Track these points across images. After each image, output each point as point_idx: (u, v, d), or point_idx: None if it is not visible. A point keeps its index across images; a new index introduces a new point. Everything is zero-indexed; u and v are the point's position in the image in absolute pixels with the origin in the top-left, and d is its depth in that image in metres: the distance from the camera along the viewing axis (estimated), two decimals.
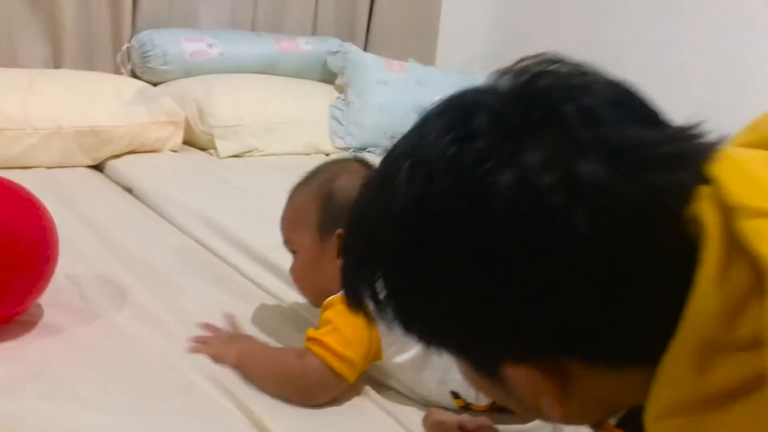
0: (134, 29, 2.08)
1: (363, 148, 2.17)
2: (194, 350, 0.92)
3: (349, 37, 2.49)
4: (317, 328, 0.89)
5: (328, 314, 0.87)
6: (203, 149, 1.95)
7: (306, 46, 2.29)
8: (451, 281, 0.43)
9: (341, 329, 0.85)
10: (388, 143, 0.50)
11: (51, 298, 1.03)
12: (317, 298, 0.96)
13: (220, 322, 1.02)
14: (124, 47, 2.05)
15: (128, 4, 2.04)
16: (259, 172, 1.82)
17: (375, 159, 2.10)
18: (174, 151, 1.88)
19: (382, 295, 0.48)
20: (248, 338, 0.96)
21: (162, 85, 2.01)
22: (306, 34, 2.40)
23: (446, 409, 0.86)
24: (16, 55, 1.94)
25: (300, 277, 0.99)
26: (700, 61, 2.20)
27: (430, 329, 0.49)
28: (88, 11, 2.01)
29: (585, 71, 0.47)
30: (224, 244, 1.33)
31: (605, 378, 0.45)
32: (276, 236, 1.32)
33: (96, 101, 1.75)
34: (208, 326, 0.97)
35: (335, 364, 0.84)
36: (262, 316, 1.06)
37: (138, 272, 1.15)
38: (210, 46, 2.10)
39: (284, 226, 1.00)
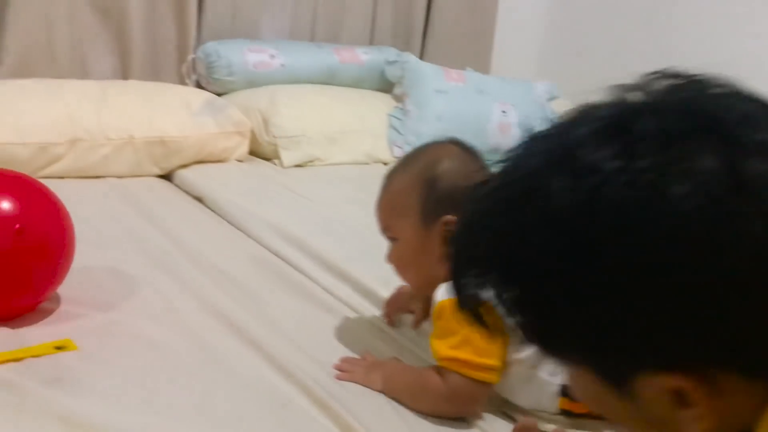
0: (198, 40, 2.12)
1: None
2: (341, 378, 0.92)
3: (405, 46, 2.49)
4: (427, 334, 0.88)
5: (450, 324, 0.86)
6: (267, 159, 1.97)
7: (365, 56, 2.30)
8: (614, 286, 0.43)
9: (471, 340, 0.84)
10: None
11: (142, 308, 1.05)
12: (420, 286, 0.98)
13: (304, 334, 1.03)
14: (190, 58, 2.09)
15: (193, 16, 2.07)
16: (323, 182, 1.84)
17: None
18: (240, 161, 1.90)
19: (507, 300, 0.49)
20: (390, 363, 0.95)
21: (227, 96, 2.04)
22: (363, 44, 2.42)
23: (543, 413, 0.86)
24: (86, 66, 2.00)
25: (402, 265, 0.98)
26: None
27: (564, 336, 0.48)
28: (155, 23, 2.05)
29: (718, 81, 0.47)
30: (299, 254, 1.34)
31: (757, 394, 0.44)
32: (349, 247, 1.35)
33: (165, 112, 1.79)
34: (346, 359, 0.97)
35: (478, 375, 0.85)
36: (346, 329, 1.07)
37: (221, 283, 1.16)
38: (272, 57, 2.13)
39: (382, 213, 0.98)
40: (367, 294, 1.19)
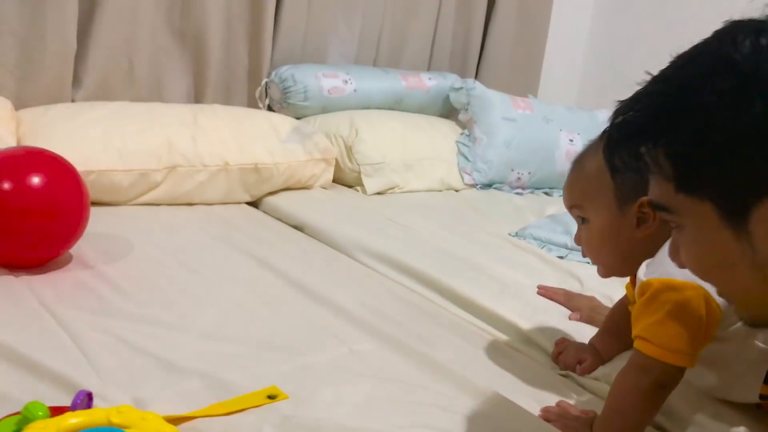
0: (271, 65, 2.10)
1: (490, 185, 2.18)
2: (554, 426, 0.91)
3: (461, 72, 2.51)
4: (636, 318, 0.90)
5: (652, 303, 0.87)
6: (348, 186, 1.95)
7: (430, 82, 2.30)
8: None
9: (668, 323, 0.85)
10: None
11: (321, 349, 1.02)
12: (612, 266, 1.00)
13: (484, 377, 1.01)
14: (263, 82, 2.07)
15: (269, 40, 2.05)
16: (412, 210, 1.82)
17: (501, 195, 2.10)
18: (324, 188, 1.88)
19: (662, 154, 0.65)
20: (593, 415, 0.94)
21: (303, 121, 2.02)
22: (422, 69, 2.42)
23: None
24: (162, 88, 1.96)
25: (594, 246, 1.00)
26: None
27: (708, 174, 0.62)
28: (230, 47, 2.03)
29: None
30: (431, 290, 1.32)
31: None
32: (479, 283, 1.33)
33: (256, 138, 1.76)
34: (548, 409, 0.95)
35: (668, 357, 0.85)
36: (523, 372, 1.06)
37: (380, 322, 1.14)
38: (345, 82, 2.12)
39: (573, 193, 1.01)
40: (520, 334, 1.18)
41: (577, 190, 1.00)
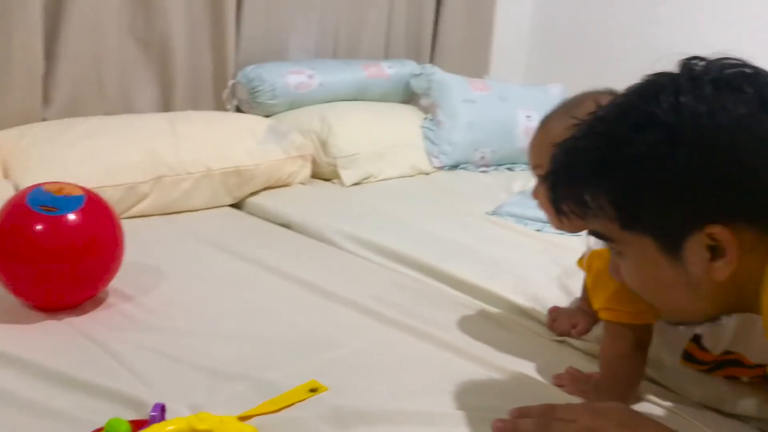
0: (235, 66, 2.12)
1: (456, 165, 2.27)
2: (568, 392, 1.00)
3: (416, 57, 2.58)
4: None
5: (597, 277, 1.00)
6: (326, 179, 2.01)
7: (389, 70, 2.37)
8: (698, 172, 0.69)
9: (626, 289, 0.91)
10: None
11: (351, 341, 1.09)
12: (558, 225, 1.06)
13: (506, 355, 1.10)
14: (230, 83, 2.10)
15: (232, 42, 2.08)
16: (389, 197, 1.90)
17: (468, 174, 2.19)
18: (302, 184, 1.94)
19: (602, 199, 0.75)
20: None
21: (275, 119, 2.06)
22: (379, 57, 2.48)
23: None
24: (131, 99, 1.97)
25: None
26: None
27: (645, 213, 0.73)
28: (194, 52, 2.04)
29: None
30: (421, 274, 1.41)
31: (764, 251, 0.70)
32: (473, 266, 1.42)
33: (234, 141, 1.80)
34: (559, 376, 1.04)
35: (637, 319, 0.96)
36: (522, 340, 1.16)
37: (396, 313, 1.20)
38: (310, 77, 2.17)
39: (539, 153, 1.04)
40: (515, 308, 1.28)
41: (543, 149, 1.02)
